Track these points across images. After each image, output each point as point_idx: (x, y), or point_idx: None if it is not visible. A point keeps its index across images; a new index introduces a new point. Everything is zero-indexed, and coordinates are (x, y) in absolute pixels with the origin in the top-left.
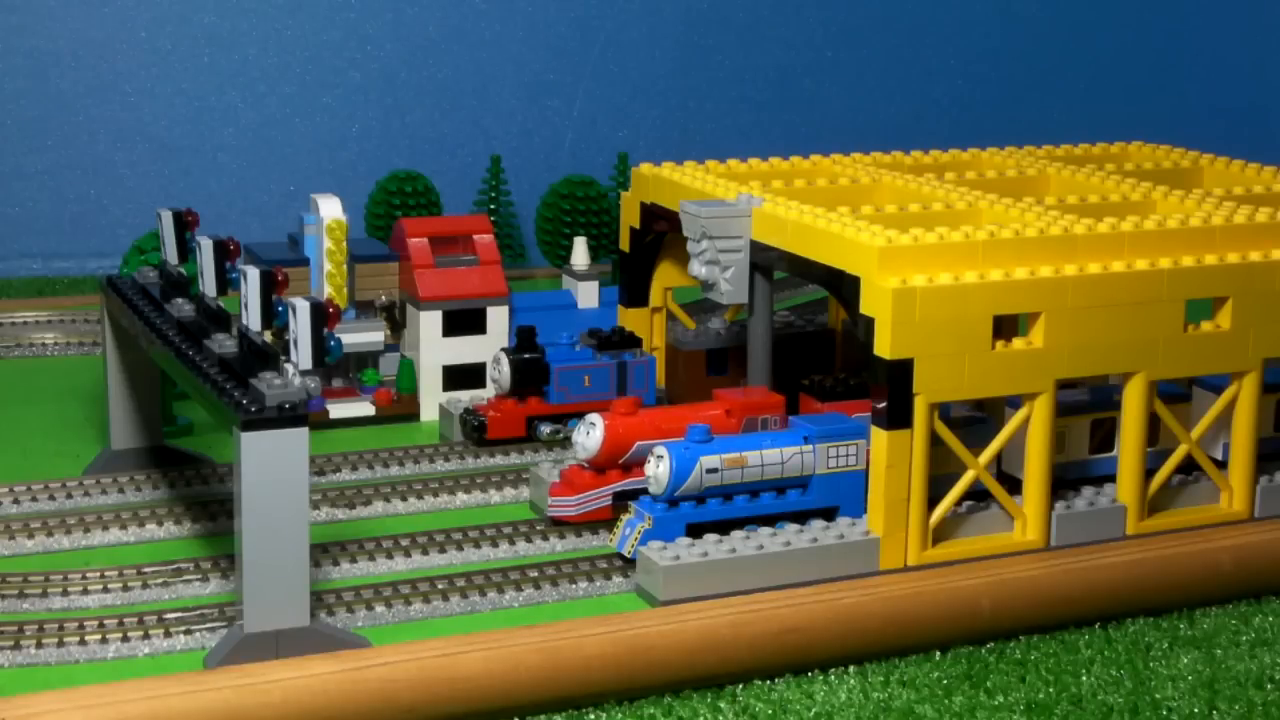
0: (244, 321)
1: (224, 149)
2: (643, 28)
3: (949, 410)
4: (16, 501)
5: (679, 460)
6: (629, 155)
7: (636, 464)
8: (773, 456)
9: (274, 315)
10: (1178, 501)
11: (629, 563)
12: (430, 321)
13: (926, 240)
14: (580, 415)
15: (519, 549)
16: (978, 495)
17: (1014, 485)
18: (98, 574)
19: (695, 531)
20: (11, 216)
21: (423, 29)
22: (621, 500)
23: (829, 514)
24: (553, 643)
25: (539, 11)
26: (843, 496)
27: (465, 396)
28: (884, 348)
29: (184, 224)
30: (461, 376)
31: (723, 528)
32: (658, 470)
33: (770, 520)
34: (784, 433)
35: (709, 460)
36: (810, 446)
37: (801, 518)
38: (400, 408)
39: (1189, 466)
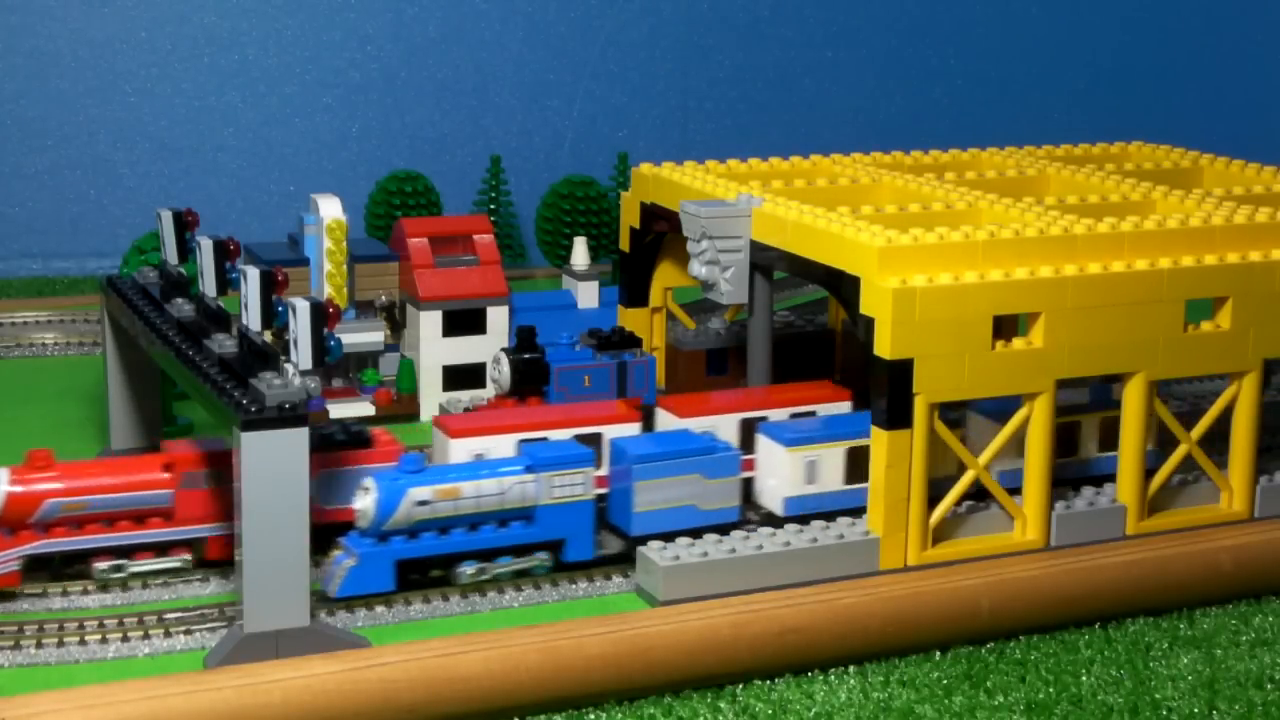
0: (244, 321)
1: (224, 149)
2: (643, 28)
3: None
4: None
5: (385, 492)
6: (629, 155)
7: (55, 523)
8: (490, 487)
9: (274, 315)
10: (1178, 501)
11: (629, 563)
12: (430, 321)
13: (926, 240)
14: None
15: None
16: (978, 495)
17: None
18: None
19: (410, 568)
20: (11, 216)
21: (423, 29)
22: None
23: (556, 547)
24: (553, 643)
25: (539, 11)
26: (570, 529)
27: (465, 396)
28: (884, 348)
29: (184, 224)
30: (461, 376)
31: (442, 563)
32: (364, 503)
33: (491, 555)
34: (505, 460)
35: (419, 491)
36: (533, 476)
37: (526, 551)
38: (400, 408)
39: (1187, 467)
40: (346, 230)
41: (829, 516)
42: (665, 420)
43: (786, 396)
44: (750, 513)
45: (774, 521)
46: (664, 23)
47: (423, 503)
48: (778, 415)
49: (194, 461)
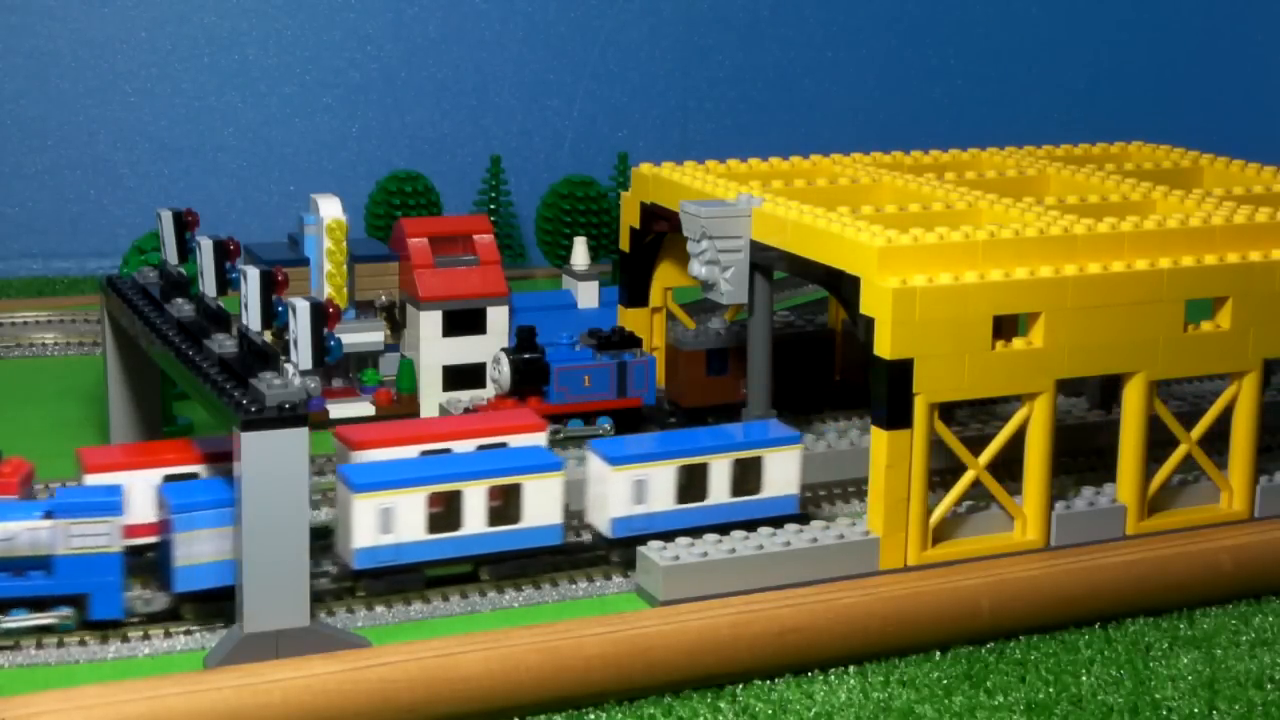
0: (244, 321)
1: (224, 149)
2: (643, 28)
3: None
4: None
5: None
6: (629, 155)
7: None
8: None
9: (274, 315)
10: (1178, 501)
11: (629, 562)
12: (430, 321)
13: (926, 240)
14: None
15: None
16: (978, 495)
17: None
18: None
19: None
20: (11, 216)
21: (423, 29)
22: None
23: (78, 601)
24: (553, 643)
25: (539, 11)
26: (93, 583)
27: (465, 396)
28: (884, 348)
29: (184, 224)
30: (461, 376)
31: None
32: None
33: (4, 607)
34: (20, 504)
35: None
36: (49, 522)
37: (45, 604)
38: (400, 408)
39: (1188, 467)
40: (346, 230)
41: (411, 569)
42: (339, 450)
43: (476, 428)
44: (329, 564)
45: (350, 574)
46: (664, 23)
47: None
48: (463, 446)
49: None
